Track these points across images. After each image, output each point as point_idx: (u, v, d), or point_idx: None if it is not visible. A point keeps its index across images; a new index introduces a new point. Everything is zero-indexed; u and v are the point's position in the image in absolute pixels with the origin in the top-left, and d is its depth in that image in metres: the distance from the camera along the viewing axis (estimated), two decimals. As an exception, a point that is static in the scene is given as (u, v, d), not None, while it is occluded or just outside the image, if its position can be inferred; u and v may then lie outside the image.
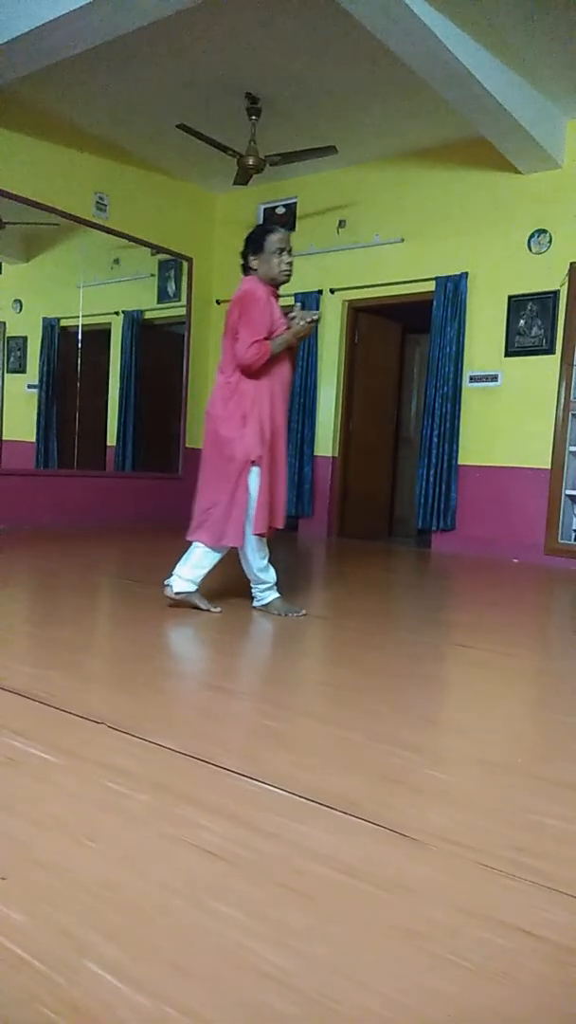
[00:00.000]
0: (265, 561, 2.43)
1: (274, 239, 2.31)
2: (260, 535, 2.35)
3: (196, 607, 2.39)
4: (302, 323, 2.32)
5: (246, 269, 2.38)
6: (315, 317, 2.36)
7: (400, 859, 0.97)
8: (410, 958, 0.77)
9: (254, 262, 2.34)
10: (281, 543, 4.72)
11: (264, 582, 2.46)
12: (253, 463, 2.30)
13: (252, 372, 2.30)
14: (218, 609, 2.41)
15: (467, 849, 1.00)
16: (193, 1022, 0.67)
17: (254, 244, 2.34)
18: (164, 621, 2.28)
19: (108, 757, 1.24)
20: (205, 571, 2.39)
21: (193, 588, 2.39)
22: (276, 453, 2.37)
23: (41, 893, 0.85)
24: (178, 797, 1.12)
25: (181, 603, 2.40)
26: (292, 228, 5.40)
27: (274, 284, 2.37)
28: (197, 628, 2.23)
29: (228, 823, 1.03)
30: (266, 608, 2.48)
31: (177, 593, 2.37)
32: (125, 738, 1.32)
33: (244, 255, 2.38)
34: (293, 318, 2.34)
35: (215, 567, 2.42)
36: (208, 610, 2.39)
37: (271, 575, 2.47)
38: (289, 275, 2.36)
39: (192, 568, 2.38)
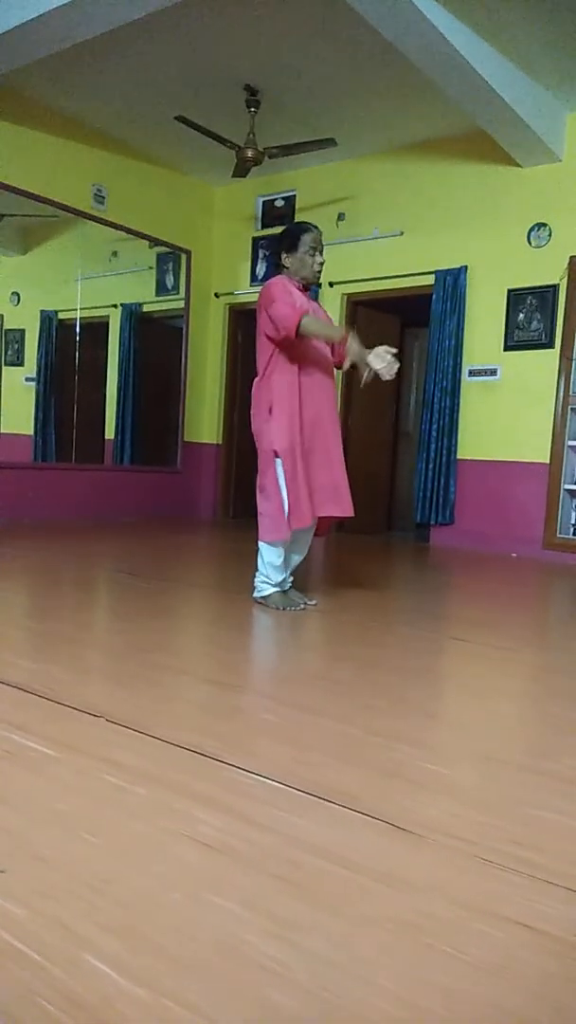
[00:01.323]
0: (280, 560, 2.41)
1: (308, 238, 2.34)
2: (298, 528, 2.34)
3: (279, 608, 2.40)
4: (374, 361, 2.23)
5: (278, 266, 2.41)
6: (384, 367, 2.25)
7: (399, 853, 0.97)
8: (408, 951, 0.78)
9: (287, 259, 2.37)
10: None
11: (268, 578, 2.45)
12: (276, 454, 2.30)
13: (286, 341, 2.27)
14: (313, 602, 2.48)
15: (466, 843, 1.00)
16: (192, 1015, 0.67)
17: (289, 241, 2.36)
18: (163, 615, 2.27)
19: (107, 751, 1.24)
20: (276, 568, 2.41)
21: (270, 589, 2.43)
22: (313, 444, 2.37)
23: (40, 886, 0.85)
24: (177, 791, 1.12)
25: (268, 606, 2.43)
26: (291, 221, 5.38)
27: (304, 283, 2.39)
28: (195, 622, 2.23)
29: (227, 816, 1.03)
30: (264, 600, 2.46)
31: (256, 598, 2.46)
32: (124, 732, 1.32)
33: (277, 252, 2.40)
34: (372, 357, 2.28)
35: (291, 561, 2.47)
36: (302, 606, 2.43)
37: (278, 576, 2.44)
38: (320, 275, 2.40)
39: (262, 567, 2.43)
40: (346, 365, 2.31)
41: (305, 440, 2.34)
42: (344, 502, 2.45)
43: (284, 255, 2.37)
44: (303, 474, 2.31)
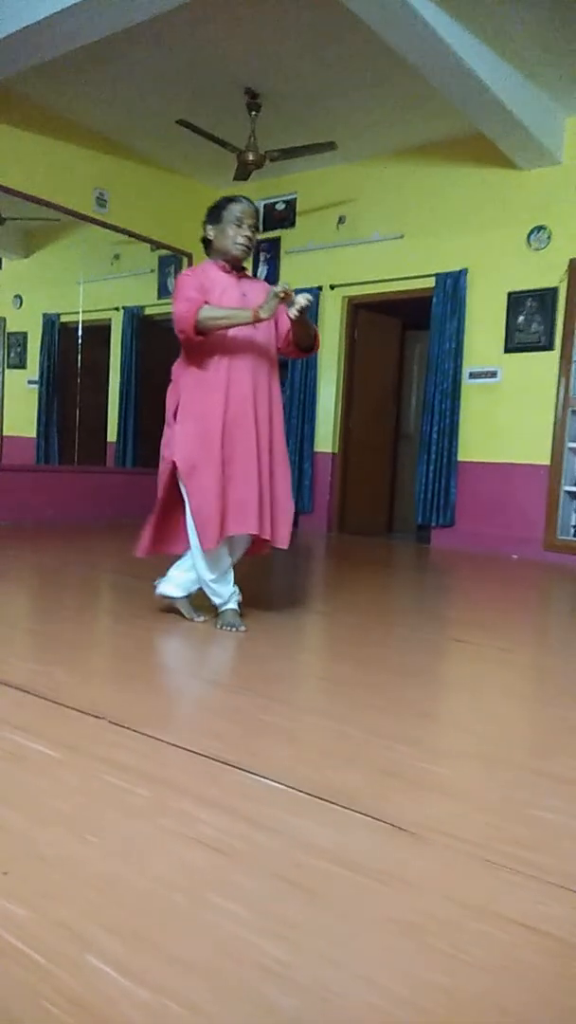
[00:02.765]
0: (216, 574, 2.12)
1: (235, 208, 2.05)
2: (208, 550, 2.04)
3: (180, 614, 2.23)
4: (270, 300, 1.91)
5: (206, 244, 2.14)
6: (283, 293, 1.92)
7: (399, 853, 0.97)
8: (409, 951, 0.78)
9: (211, 232, 2.09)
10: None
11: (217, 595, 2.17)
12: (175, 466, 2.04)
13: (188, 344, 2.00)
14: (201, 618, 2.20)
15: (466, 843, 1.01)
16: (193, 1015, 0.67)
17: (214, 212, 2.09)
18: (164, 617, 2.28)
19: (109, 752, 1.24)
20: (215, 582, 2.14)
21: (182, 594, 2.22)
22: (233, 451, 2.03)
23: (42, 887, 0.85)
24: (178, 792, 1.12)
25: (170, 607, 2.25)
26: (292, 224, 5.39)
27: (230, 260, 2.09)
28: (197, 625, 2.23)
29: (227, 817, 1.04)
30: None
31: (159, 594, 2.23)
32: (126, 733, 1.33)
33: (204, 226, 2.13)
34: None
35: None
36: (191, 619, 2.20)
37: (224, 590, 2.16)
38: (246, 249, 2.07)
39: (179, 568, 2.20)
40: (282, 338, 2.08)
41: (224, 446, 2.02)
42: (250, 519, 2.02)
43: (209, 227, 2.10)
44: (215, 487, 2.00)
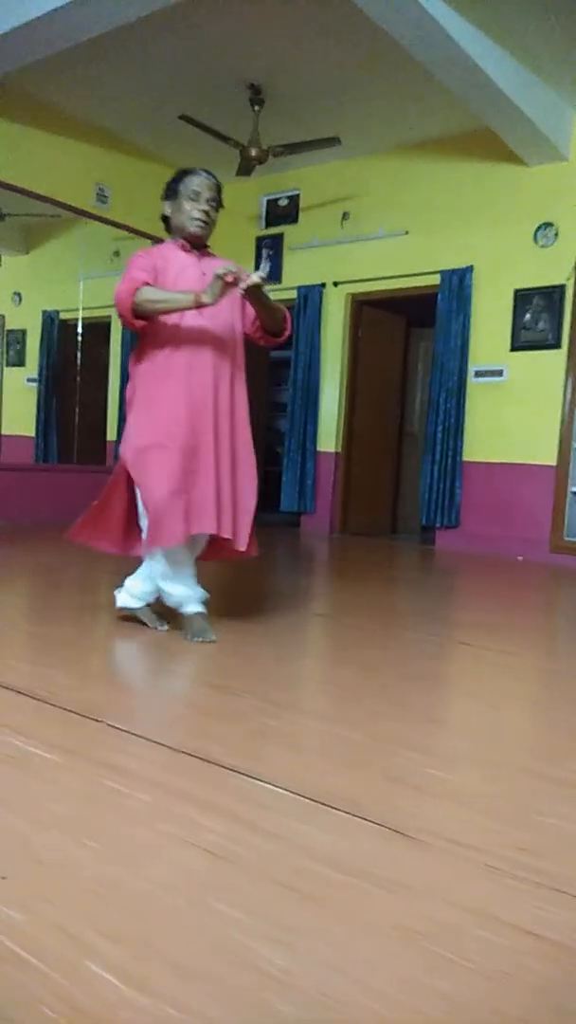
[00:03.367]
0: (167, 575, 1.97)
1: (191, 182, 1.89)
2: (156, 547, 1.89)
3: (142, 623, 2.06)
4: (214, 284, 1.75)
5: (165, 222, 1.99)
6: (230, 276, 1.74)
7: (402, 858, 0.97)
8: (411, 957, 0.77)
9: (167, 208, 1.95)
10: (283, 539, 4.71)
11: (170, 597, 2.01)
12: (125, 459, 1.90)
13: (130, 328, 1.88)
14: (164, 627, 2.03)
15: (469, 849, 1.00)
16: (193, 1020, 0.67)
17: (168, 188, 1.94)
18: (163, 617, 2.27)
19: (108, 755, 1.24)
20: (168, 583, 1.99)
21: (139, 604, 2.06)
22: (198, 441, 1.88)
23: (41, 892, 0.85)
24: (178, 796, 1.11)
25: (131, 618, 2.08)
26: (295, 220, 5.37)
27: (188, 238, 1.93)
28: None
29: (229, 822, 1.03)
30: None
31: (118, 608, 2.07)
32: (125, 736, 1.32)
33: (161, 201, 1.98)
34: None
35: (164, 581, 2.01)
36: (154, 628, 2.04)
37: (177, 590, 1.99)
38: (203, 225, 1.90)
39: (137, 576, 2.06)
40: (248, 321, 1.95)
41: (188, 435, 1.87)
42: (207, 517, 1.88)
43: (165, 203, 1.95)
44: (175, 479, 1.84)
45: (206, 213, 1.91)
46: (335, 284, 5.20)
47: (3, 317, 5.23)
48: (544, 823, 1.09)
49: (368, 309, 5.33)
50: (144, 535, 1.94)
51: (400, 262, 4.91)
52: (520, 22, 3.33)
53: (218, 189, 1.94)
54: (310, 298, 5.23)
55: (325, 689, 1.77)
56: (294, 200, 5.41)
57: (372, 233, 5.02)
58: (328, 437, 5.34)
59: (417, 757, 1.31)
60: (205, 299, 1.76)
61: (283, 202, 5.47)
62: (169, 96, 4.32)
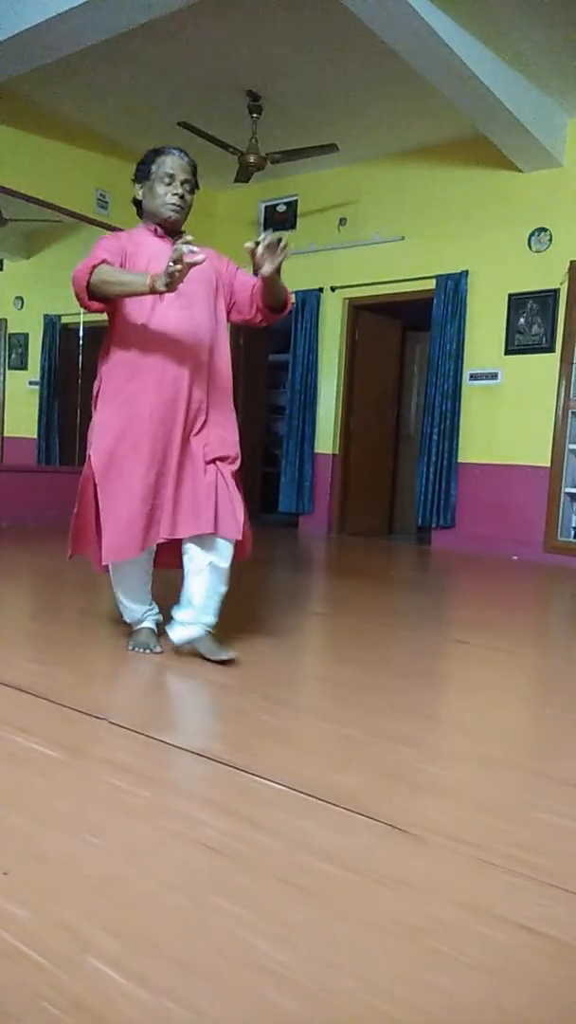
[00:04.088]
0: (122, 590, 1.85)
1: (165, 163, 1.72)
2: (113, 561, 1.75)
3: (203, 656, 1.81)
4: (169, 269, 1.50)
5: (137, 206, 1.83)
6: (183, 253, 1.50)
7: (400, 855, 0.97)
8: (410, 953, 0.78)
9: (139, 191, 1.79)
10: (282, 540, 4.72)
11: (119, 604, 1.90)
12: (89, 461, 1.75)
13: (85, 305, 1.68)
14: (228, 655, 1.78)
15: (467, 845, 1.01)
16: (194, 1016, 0.67)
17: (139, 169, 1.78)
18: (165, 618, 2.28)
19: (110, 753, 1.24)
20: (125, 599, 1.87)
21: (199, 632, 1.83)
22: (167, 444, 1.71)
23: (43, 888, 0.85)
24: (179, 793, 1.12)
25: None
26: (293, 226, 5.40)
27: (162, 224, 1.77)
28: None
29: (229, 819, 1.04)
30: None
31: (177, 645, 1.84)
32: (127, 734, 1.33)
33: (133, 184, 1.82)
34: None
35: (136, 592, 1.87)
36: (217, 660, 1.79)
37: (138, 609, 1.89)
38: (177, 209, 1.74)
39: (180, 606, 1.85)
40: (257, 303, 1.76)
41: (156, 439, 1.71)
42: (164, 524, 1.70)
43: (137, 186, 1.79)
44: (135, 486, 1.69)
45: (181, 197, 1.74)
46: (332, 289, 5.22)
47: (5, 321, 5.24)
48: (541, 819, 1.10)
49: (365, 313, 5.36)
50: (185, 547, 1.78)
51: (396, 267, 4.94)
52: (515, 30, 3.36)
53: (194, 170, 1.77)
54: (308, 303, 5.26)
55: (324, 687, 1.77)
56: (292, 206, 5.44)
57: (369, 239, 5.05)
58: (326, 439, 5.36)
59: (415, 754, 1.32)
60: (158, 286, 1.54)
61: (281, 208, 5.50)
62: (168, 103, 4.35)
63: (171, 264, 1.50)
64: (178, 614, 1.81)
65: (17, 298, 5.33)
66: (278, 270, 1.68)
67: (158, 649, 1.86)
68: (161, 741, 1.30)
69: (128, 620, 1.93)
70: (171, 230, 1.80)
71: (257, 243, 1.62)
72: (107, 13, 3.13)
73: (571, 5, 3.21)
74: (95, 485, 1.75)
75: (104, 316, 1.79)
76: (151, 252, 1.75)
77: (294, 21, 3.47)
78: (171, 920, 0.81)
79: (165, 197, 1.73)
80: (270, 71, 3.97)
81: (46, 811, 1.03)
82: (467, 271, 4.64)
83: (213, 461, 1.77)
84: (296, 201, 5.42)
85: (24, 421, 5.37)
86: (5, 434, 5.15)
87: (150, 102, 4.37)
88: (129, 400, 1.71)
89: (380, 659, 2.00)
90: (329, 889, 0.89)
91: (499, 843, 1.02)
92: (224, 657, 1.77)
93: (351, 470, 5.45)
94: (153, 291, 1.57)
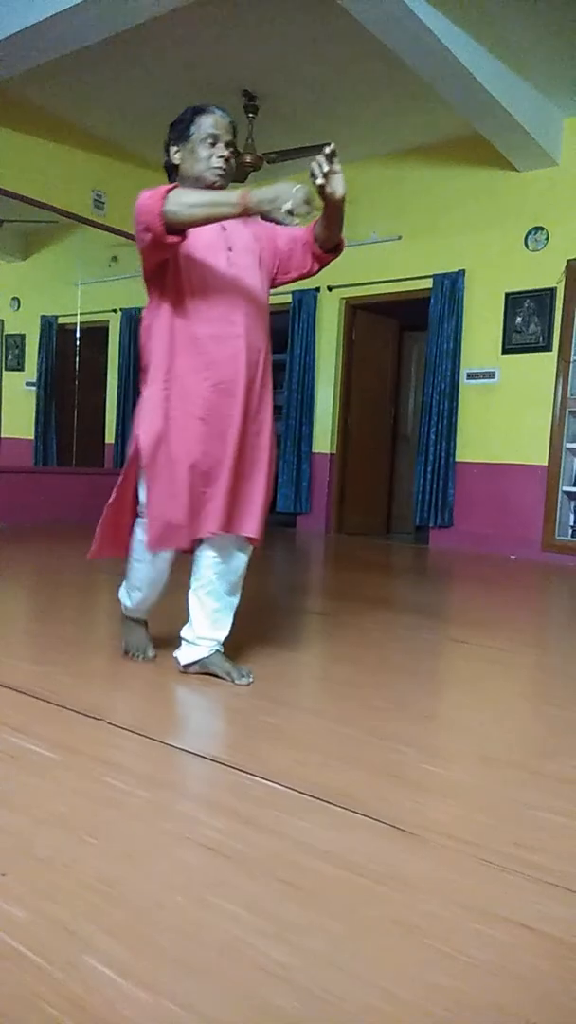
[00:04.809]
0: (141, 582, 1.70)
1: (206, 122, 1.57)
2: (157, 551, 1.62)
3: (216, 676, 1.68)
4: (293, 197, 1.36)
5: (169, 171, 1.67)
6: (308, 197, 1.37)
7: (399, 854, 0.97)
8: (409, 952, 0.78)
9: (176, 155, 1.62)
10: (280, 540, 4.72)
11: (130, 602, 1.75)
12: (137, 443, 1.58)
13: (154, 254, 1.47)
14: (246, 680, 1.66)
15: (466, 844, 1.01)
16: (193, 1017, 0.67)
17: (177, 130, 1.62)
18: (162, 618, 2.27)
19: (108, 753, 1.24)
20: (138, 592, 1.73)
21: (207, 652, 1.71)
22: (220, 429, 1.56)
23: (41, 889, 0.85)
24: (178, 793, 1.12)
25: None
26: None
27: (205, 190, 1.58)
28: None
29: (228, 819, 1.04)
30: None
31: (183, 667, 1.71)
32: (125, 735, 1.32)
33: (166, 147, 1.65)
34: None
35: (151, 595, 1.73)
36: (231, 680, 1.66)
37: (143, 605, 1.74)
38: (223, 173, 1.59)
39: (189, 624, 1.73)
40: (318, 240, 1.59)
41: (206, 421, 1.55)
42: (213, 517, 1.57)
43: (173, 148, 1.62)
44: (185, 475, 1.54)
45: (226, 160, 1.59)
46: (329, 289, 5.22)
47: (2, 322, 5.24)
48: (539, 818, 1.10)
49: (362, 313, 5.37)
50: (140, 533, 1.64)
51: (393, 266, 4.94)
52: (511, 30, 3.37)
53: (235, 130, 1.62)
54: (304, 302, 5.26)
55: (322, 686, 1.77)
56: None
57: (365, 238, 5.05)
58: (323, 439, 5.36)
59: (414, 753, 1.32)
60: (252, 202, 1.38)
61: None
62: (164, 103, 4.33)
63: (315, 181, 1.36)
64: (188, 632, 1.70)
65: (14, 299, 5.32)
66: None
67: (152, 654, 1.79)
68: (160, 742, 1.30)
69: (130, 604, 1.76)
70: None
71: (325, 157, 1.43)
72: (103, 14, 3.13)
73: (567, 5, 3.21)
74: (139, 468, 1.59)
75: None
76: None
77: (290, 21, 3.47)
78: (170, 920, 0.81)
79: (210, 160, 1.58)
80: (266, 71, 3.97)
81: (44, 812, 1.03)
82: (464, 270, 4.65)
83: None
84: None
85: (21, 422, 5.36)
86: (2, 435, 5.14)
87: (146, 102, 4.36)
88: (180, 378, 1.55)
89: (379, 658, 2.00)
90: (328, 889, 0.89)
91: (498, 842, 1.02)
92: (245, 681, 1.65)
93: (348, 469, 5.45)
94: (246, 211, 1.42)
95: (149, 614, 1.84)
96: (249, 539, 1.67)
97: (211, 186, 1.60)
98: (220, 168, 1.59)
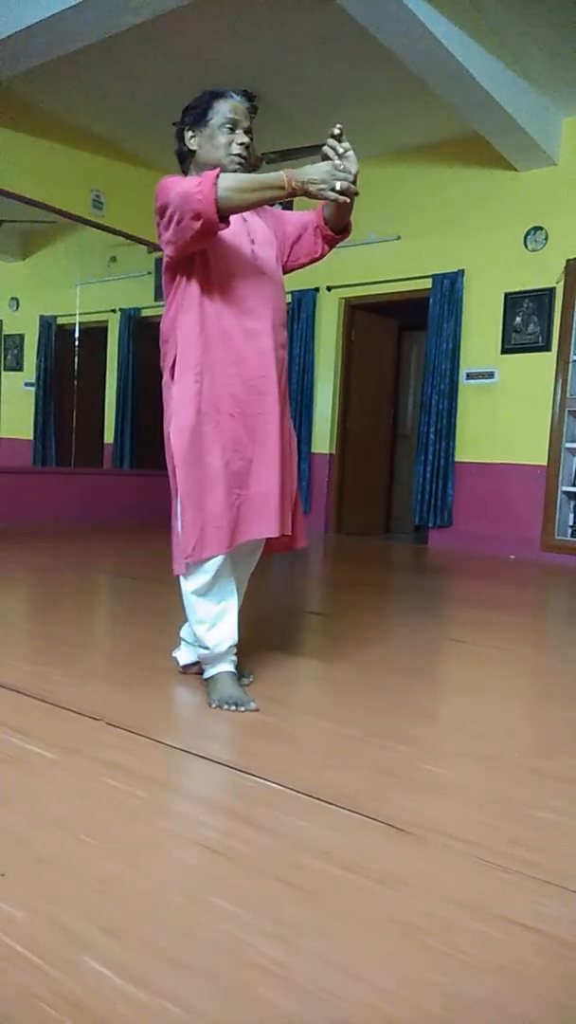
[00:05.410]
0: (206, 611, 1.51)
1: (223, 107, 1.52)
2: (199, 560, 1.47)
3: (214, 703, 1.50)
4: (331, 175, 1.38)
5: (182, 158, 1.59)
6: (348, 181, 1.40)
7: (397, 853, 0.97)
8: (407, 951, 0.78)
9: (192, 140, 1.55)
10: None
11: (205, 645, 1.53)
12: (169, 439, 1.50)
13: (209, 230, 1.38)
14: (245, 680, 1.61)
15: (464, 843, 1.01)
16: (192, 1017, 0.67)
17: (192, 115, 1.55)
18: (161, 618, 2.27)
19: (106, 753, 1.24)
20: (207, 625, 1.51)
21: (204, 661, 1.56)
22: (252, 426, 1.50)
23: (40, 889, 0.85)
24: (176, 793, 1.12)
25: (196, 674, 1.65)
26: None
27: None
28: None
29: (226, 818, 1.04)
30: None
31: (183, 667, 1.66)
32: (123, 734, 1.32)
33: (180, 133, 1.58)
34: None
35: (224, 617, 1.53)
36: (242, 707, 1.49)
37: (218, 636, 1.52)
38: (242, 162, 1.53)
39: (189, 625, 1.60)
40: (334, 218, 1.57)
41: (235, 418, 1.49)
42: (270, 518, 1.48)
43: (189, 134, 1.55)
44: (222, 470, 1.47)
45: (245, 147, 1.53)
46: (328, 288, 5.22)
47: (1, 322, 5.24)
48: (538, 817, 1.10)
49: (361, 313, 5.37)
50: (180, 547, 1.49)
51: (392, 266, 4.94)
52: (510, 29, 3.37)
53: (253, 115, 1.57)
54: (304, 302, 5.26)
55: (321, 686, 1.77)
56: (288, 206, 5.44)
57: (364, 238, 5.05)
58: (322, 439, 5.36)
59: (412, 752, 1.32)
60: (300, 177, 1.36)
61: (277, 207, 5.50)
62: (163, 103, 4.34)
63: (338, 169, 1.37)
64: (189, 633, 1.63)
65: (12, 299, 5.32)
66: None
67: (254, 706, 1.47)
68: (158, 741, 1.30)
69: (202, 654, 1.53)
70: None
71: (335, 136, 1.44)
72: (102, 14, 3.13)
73: (566, 4, 3.22)
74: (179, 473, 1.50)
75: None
76: None
77: (289, 21, 3.47)
78: (169, 920, 0.81)
79: (230, 147, 1.51)
80: (265, 71, 3.97)
81: (43, 812, 1.03)
82: (463, 270, 4.65)
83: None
84: (291, 201, 5.41)
85: (20, 422, 5.36)
86: (1, 435, 5.14)
87: (145, 102, 4.36)
88: (211, 372, 1.48)
89: (377, 658, 2.00)
90: (327, 888, 0.89)
91: (497, 841, 1.02)
92: (244, 682, 1.58)
93: (348, 470, 5.45)
94: (293, 193, 1.39)
95: (233, 653, 1.55)
96: (295, 544, 1.66)
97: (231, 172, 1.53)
98: (240, 156, 1.53)
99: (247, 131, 1.55)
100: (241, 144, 1.53)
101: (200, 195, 1.35)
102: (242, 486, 1.50)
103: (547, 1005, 0.72)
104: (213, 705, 1.48)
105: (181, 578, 1.53)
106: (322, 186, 1.39)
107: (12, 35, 3.34)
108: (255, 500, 1.50)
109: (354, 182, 1.48)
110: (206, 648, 1.52)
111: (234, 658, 1.56)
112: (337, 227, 1.69)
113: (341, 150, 1.46)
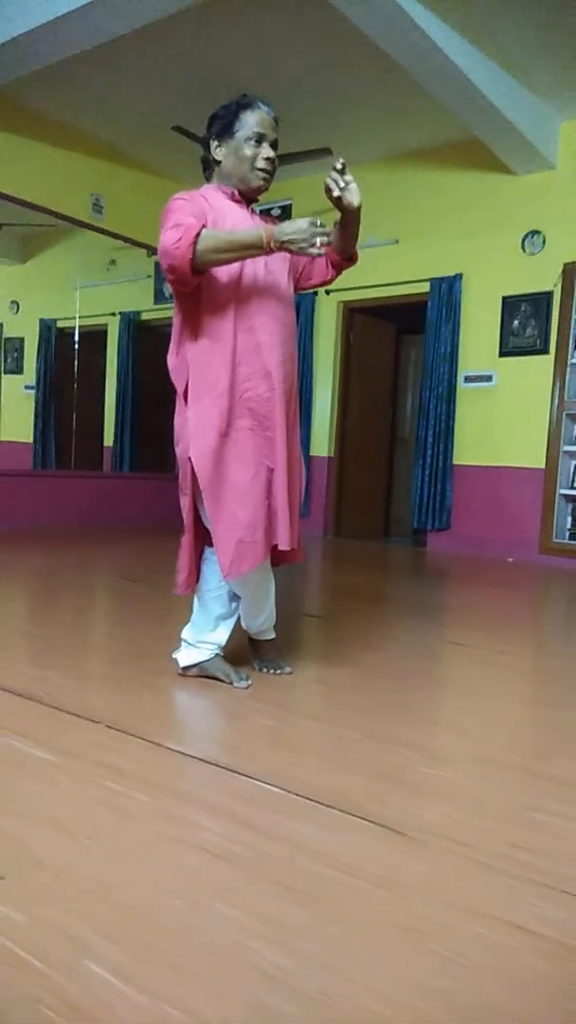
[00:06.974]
0: (215, 615, 1.66)
1: (250, 119, 1.51)
2: (239, 575, 1.54)
3: (216, 679, 1.66)
4: (306, 231, 1.39)
5: (206, 166, 1.60)
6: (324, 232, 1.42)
7: (397, 857, 0.98)
8: (407, 955, 0.78)
9: (217, 150, 1.55)
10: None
11: (197, 636, 1.68)
12: (191, 462, 1.53)
13: (181, 289, 1.46)
14: (245, 683, 1.65)
15: (464, 846, 1.01)
16: (192, 1020, 0.67)
17: (219, 125, 1.54)
18: (161, 620, 2.28)
19: (106, 757, 1.24)
20: (210, 631, 1.67)
21: (207, 655, 1.68)
22: (272, 440, 1.55)
23: (40, 892, 0.85)
24: (176, 796, 1.12)
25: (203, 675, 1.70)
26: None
27: (243, 189, 1.56)
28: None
29: (226, 822, 1.04)
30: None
31: (183, 669, 1.70)
32: (123, 738, 1.32)
33: (205, 141, 1.58)
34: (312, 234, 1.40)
35: (231, 622, 1.70)
36: (230, 683, 1.64)
37: (216, 636, 1.67)
38: (268, 177, 1.55)
39: (191, 625, 1.70)
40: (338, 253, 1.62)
41: (255, 431, 1.55)
42: (283, 528, 1.55)
43: (214, 144, 1.55)
44: (255, 488, 1.52)
45: (271, 161, 1.53)
46: (327, 292, 5.24)
47: (1, 325, 5.24)
48: (537, 820, 1.10)
49: (359, 316, 5.38)
50: (212, 559, 1.59)
51: (390, 270, 4.95)
52: (508, 34, 3.39)
53: (278, 127, 1.57)
54: (303, 306, 5.27)
55: (320, 689, 1.77)
56: (287, 210, 5.46)
57: (363, 242, 5.05)
58: (321, 442, 5.37)
59: (412, 755, 1.32)
60: (275, 241, 1.38)
61: (276, 212, 5.51)
62: (163, 107, 4.36)
63: (317, 226, 1.38)
64: (189, 634, 1.70)
65: (12, 302, 5.33)
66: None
67: (289, 669, 1.67)
68: (157, 744, 1.30)
69: (205, 651, 1.67)
70: (250, 198, 1.60)
71: (337, 171, 1.47)
72: (101, 18, 3.15)
73: (564, 9, 3.24)
74: (197, 491, 1.55)
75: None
76: (234, 219, 1.52)
77: (288, 25, 3.49)
78: (168, 924, 0.81)
79: (255, 162, 1.53)
80: (264, 75, 3.99)
81: (42, 815, 1.03)
82: (461, 274, 4.66)
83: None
84: (290, 205, 5.43)
85: (20, 425, 5.37)
86: (1, 438, 5.14)
87: (145, 106, 4.38)
88: (229, 390, 1.52)
89: (376, 661, 2.01)
90: (326, 892, 0.89)
91: (496, 844, 1.02)
92: (244, 685, 1.65)
93: (346, 473, 5.46)
94: (271, 251, 1.42)
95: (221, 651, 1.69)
96: (294, 558, 1.71)
97: (256, 189, 1.58)
98: (265, 173, 1.55)
99: (273, 144, 1.56)
100: (267, 159, 1.54)
101: (178, 251, 1.40)
102: (269, 498, 1.56)
103: (547, 1008, 0.72)
104: (222, 677, 1.65)
105: (210, 579, 1.65)
106: (302, 244, 1.41)
107: (13, 39, 3.35)
108: (273, 511, 1.56)
109: (358, 210, 1.55)
110: (210, 641, 1.68)
111: (221, 652, 1.71)
112: (345, 255, 1.73)
113: (343, 183, 1.50)
